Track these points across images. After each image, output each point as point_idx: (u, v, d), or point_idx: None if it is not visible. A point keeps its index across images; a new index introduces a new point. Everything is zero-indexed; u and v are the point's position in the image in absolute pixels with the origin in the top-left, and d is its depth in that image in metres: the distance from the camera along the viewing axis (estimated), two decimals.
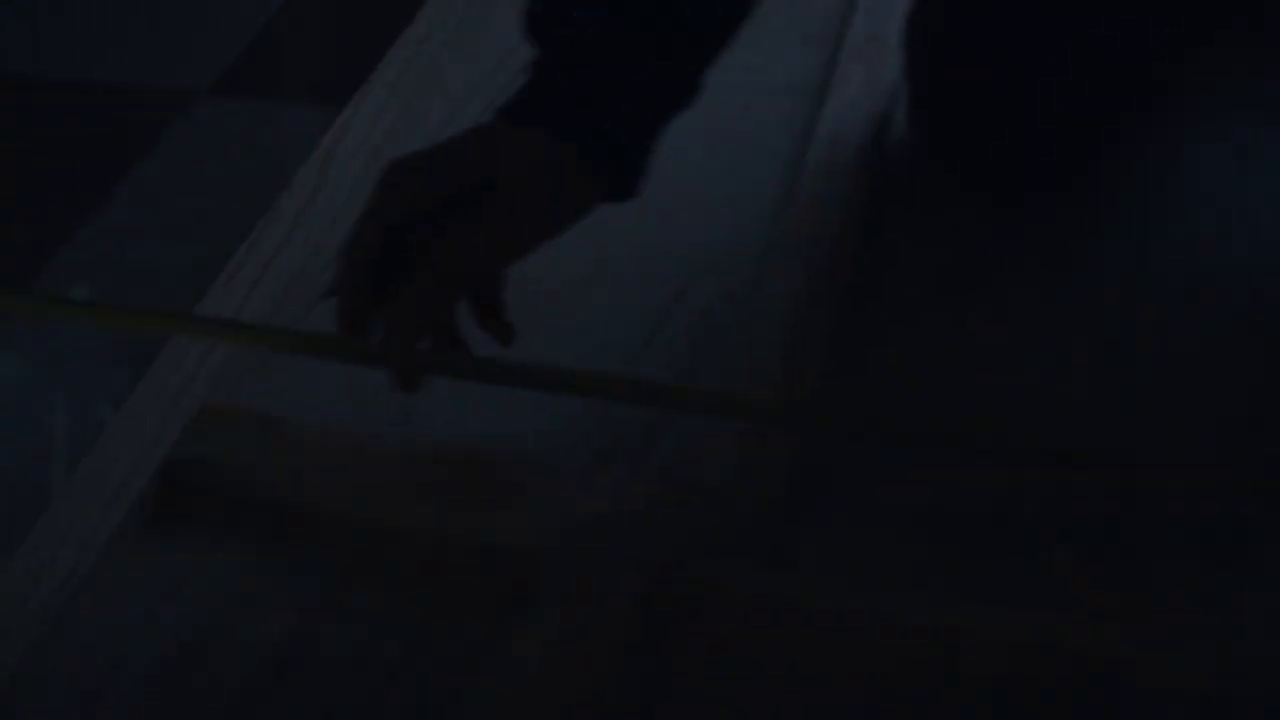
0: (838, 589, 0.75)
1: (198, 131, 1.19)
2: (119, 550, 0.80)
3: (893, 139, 1.00)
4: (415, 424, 0.85)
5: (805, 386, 0.84)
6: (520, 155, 0.77)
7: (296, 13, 1.22)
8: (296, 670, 0.75)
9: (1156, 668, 0.71)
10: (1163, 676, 0.70)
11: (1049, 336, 0.87)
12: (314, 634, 0.76)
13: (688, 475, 0.80)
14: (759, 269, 0.91)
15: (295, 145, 1.10)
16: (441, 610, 0.77)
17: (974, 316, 0.88)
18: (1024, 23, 0.92)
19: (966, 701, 0.71)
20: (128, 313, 0.82)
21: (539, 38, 0.81)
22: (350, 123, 1.08)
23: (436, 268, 0.74)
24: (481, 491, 0.80)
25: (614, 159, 0.79)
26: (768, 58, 1.07)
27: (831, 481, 0.80)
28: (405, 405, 0.85)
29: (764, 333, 0.87)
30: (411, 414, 0.85)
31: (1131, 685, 0.70)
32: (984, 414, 0.82)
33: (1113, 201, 0.94)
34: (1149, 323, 0.87)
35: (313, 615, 0.77)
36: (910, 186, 0.97)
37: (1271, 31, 1.03)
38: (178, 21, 1.23)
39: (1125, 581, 0.72)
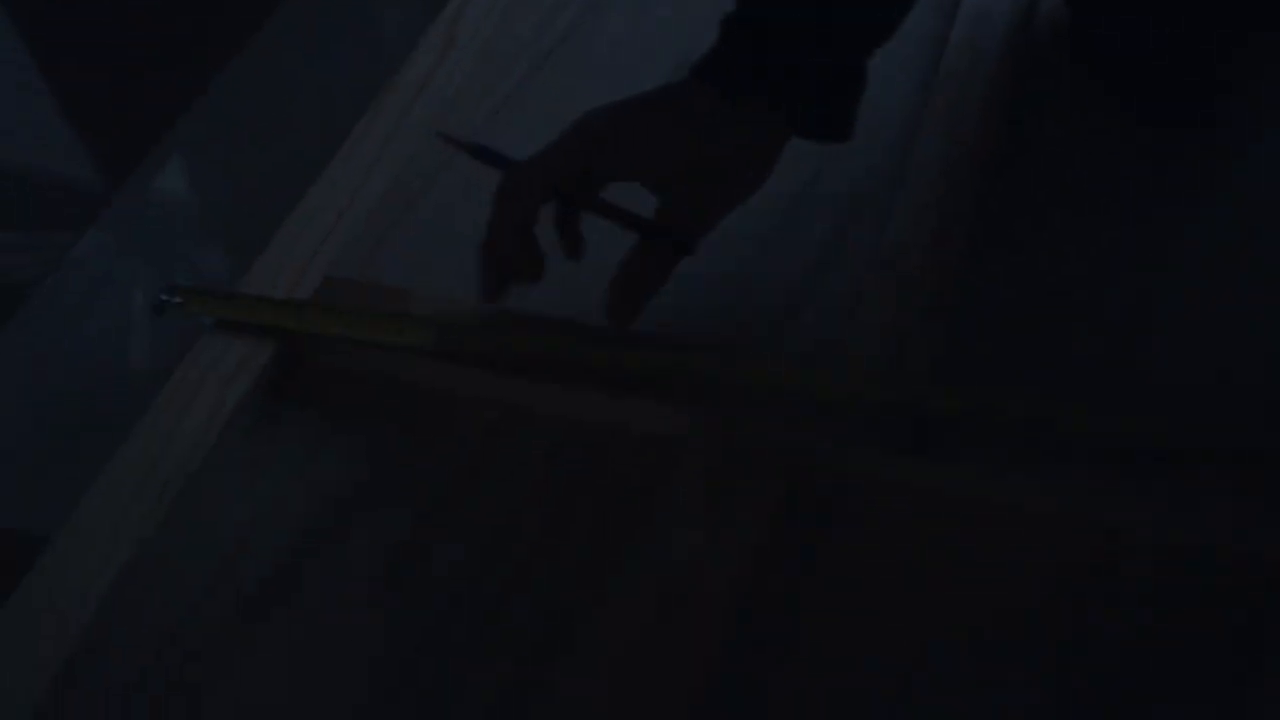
0: (987, 480, 0.72)
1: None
2: (239, 427, 0.79)
3: (1040, 21, 0.95)
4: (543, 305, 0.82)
5: (949, 267, 0.80)
6: (728, 139, 0.75)
7: None
8: (423, 560, 0.73)
9: None
10: None
11: (1165, 271, 0.82)
12: (441, 523, 0.74)
13: (831, 353, 0.77)
14: (901, 147, 0.88)
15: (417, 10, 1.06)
16: (575, 499, 0.75)
17: (1100, 235, 0.84)
18: None
19: (1125, 601, 0.68)
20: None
21: None
22: None
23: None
24: (614, 374, 0.77)
25: (821, 123, 0.78)
26: None
27: (980, 363, 0.77)
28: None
29: (908, 212, 0.83)
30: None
31: None
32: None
33: (1257, 135, 0.89)
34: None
35: (441, 502, 0.75)
36: (1054, 76, 0.92)
37: None
38: None
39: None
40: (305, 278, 0.85)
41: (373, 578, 0.72)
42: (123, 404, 0.82)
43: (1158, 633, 0.67)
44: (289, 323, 0.81)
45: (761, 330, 0.81)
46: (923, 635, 0.68)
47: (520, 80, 0.97)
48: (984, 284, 0.81)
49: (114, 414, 0.81)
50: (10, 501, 0.84)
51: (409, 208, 0.89)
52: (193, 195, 1.07)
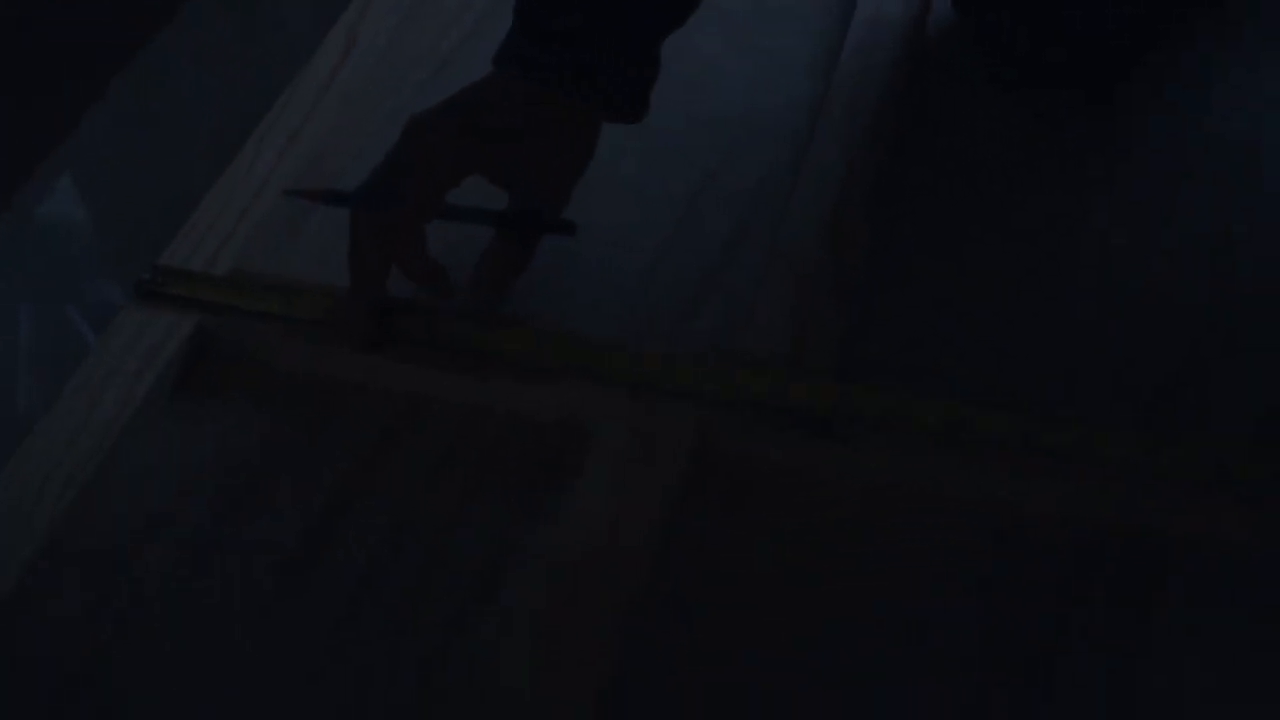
0: (889, 461, 0.74)
1: None
2: (151, 413, 0.79)
3: (934, 21, 0.98)
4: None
5: (850, 257, 0.82)
6: (542, 114, 0.78)
7: None
8: (331, 542, 0.74)
9: (1213, 542, 0.70)
10: (1221, 549, 0.70)
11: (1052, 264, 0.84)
12: (348, 506, 0.75)
13: (735, 345, 0.79)
14: (800, 140, 0.90)
15: (325, 8, 1.06)
16: (482, 481, 0.76)
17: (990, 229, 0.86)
18: None
19: (1029, 570, 0.70)
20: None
21: None
22: None
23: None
24: (522, 363, 0.79)
25: (626, 100, 0.80)
26: None
27: (884, 350, 0.79)
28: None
29: (801, 212, 0.85)
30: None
31: (1194, 559, 0.70)
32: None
33: (1144, 126, 0.92)
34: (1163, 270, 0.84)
35: (348, 486, 0.76)
36: (950, 73, 0.95)
37: None
38: None
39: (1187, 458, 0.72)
40: (214, 269, 0.85)
41: (270, 571, 0.73)
42: (7, 438, 0.80)
43: (1062, 611, 0.69)
44: (277, 308, 0.82)
45: (664, 326, 0.82)
46: (826, 619, 0.69)
47: (422, 80, 0.98)
48: (886, 272, 0.83)
49: None
50: None
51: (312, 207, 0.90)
52: (82, 217, 1.06)
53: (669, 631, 0.69)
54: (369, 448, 0.77)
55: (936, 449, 0.73)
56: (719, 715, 0.66)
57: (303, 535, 0.74)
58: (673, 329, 0.81)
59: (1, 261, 1.00)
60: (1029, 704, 0.66)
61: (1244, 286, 0.82)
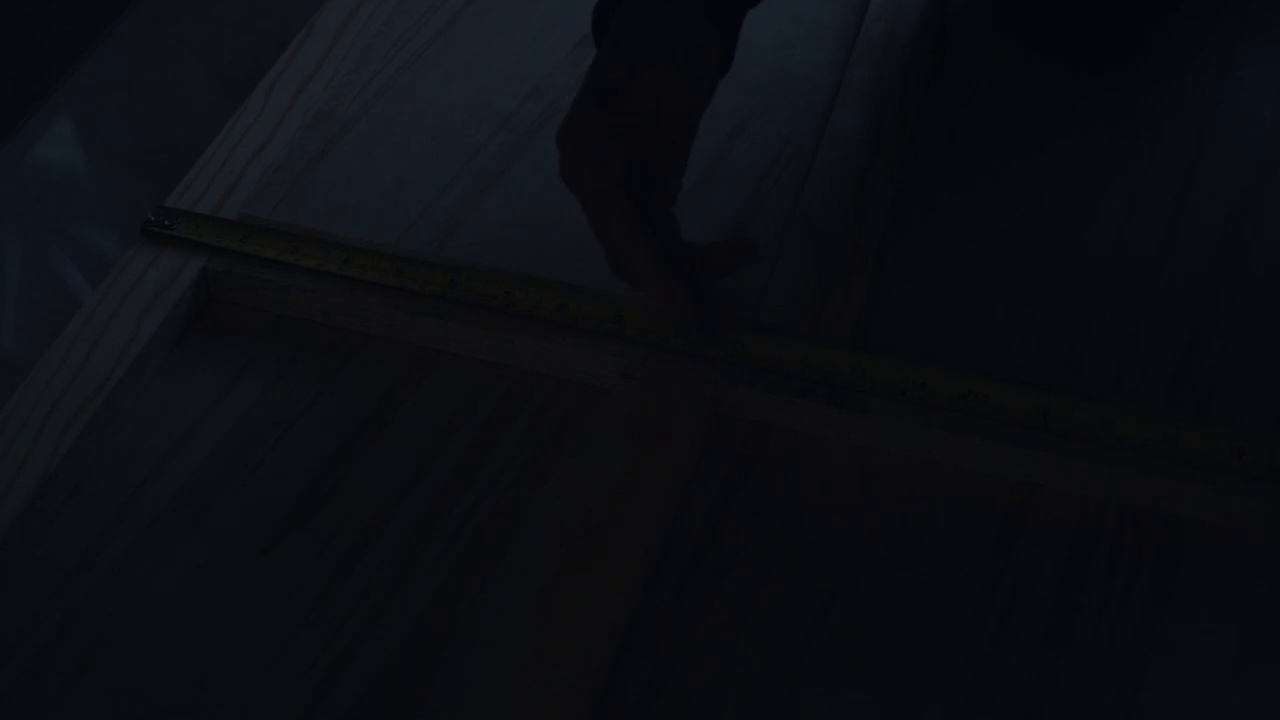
0: (903, 431, 0.73)
1: None
2: (154, 357, 0.77)
3: None
4: (462, 251, 0.82)
5: (869, 230, 0.81)
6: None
7: None
8: (334, 493, 0.72)
9: (1227, 523, 0.70)
10: (1236, 531, 0.70)
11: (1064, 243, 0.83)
12: (354, 458, 0.74)
13: (753, 311, 0.77)
14: (823, 106, 0.89)
15: None
16: (493, 438, 0.74)
17: (1022, 190, 0.85)
18: None
19: (1038, 546, 0.69)
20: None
21: None
22: None
23: None
24: (537, 320, 0.77)
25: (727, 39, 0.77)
26: None
27: (901, 321, 0.78)
28: (449, 226, 0.83)
29: (821, 180, 0.84)
30: (454, 237, 0.83)
31: (1207, 540, 0.69)
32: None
33: (1165, 97, 0.91)
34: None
35: (353, 439, 0.75)
36: (972, 40, 0.94)
37: None
38: None
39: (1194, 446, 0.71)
40: (220, 215, 0.84)
41: (281, 516, 0.72)
42: None
43: (1070, 585, 0.68)
44: (287, 255, 0.80)
45: None
46: (834, 584, 0.68)
47: (440, 26, 0.96)
48: (904, 242, 0.82)
49: None
50: None
51: (323, 154, 0.88)
52: (80, 160, 1.04)
53: (679, 594, 0.68)
54: (377, 401, 0.76)
55: (950, 421, 0.72)
56: (726, 677, 0.65)
57: (306, 485, 0.73)
58: None
59: None
60: (1034, 681, 0.65)
61: (1263, 261, 0.81)
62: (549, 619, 0.66)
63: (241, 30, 1.05)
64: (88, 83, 1.02)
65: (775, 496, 0.72)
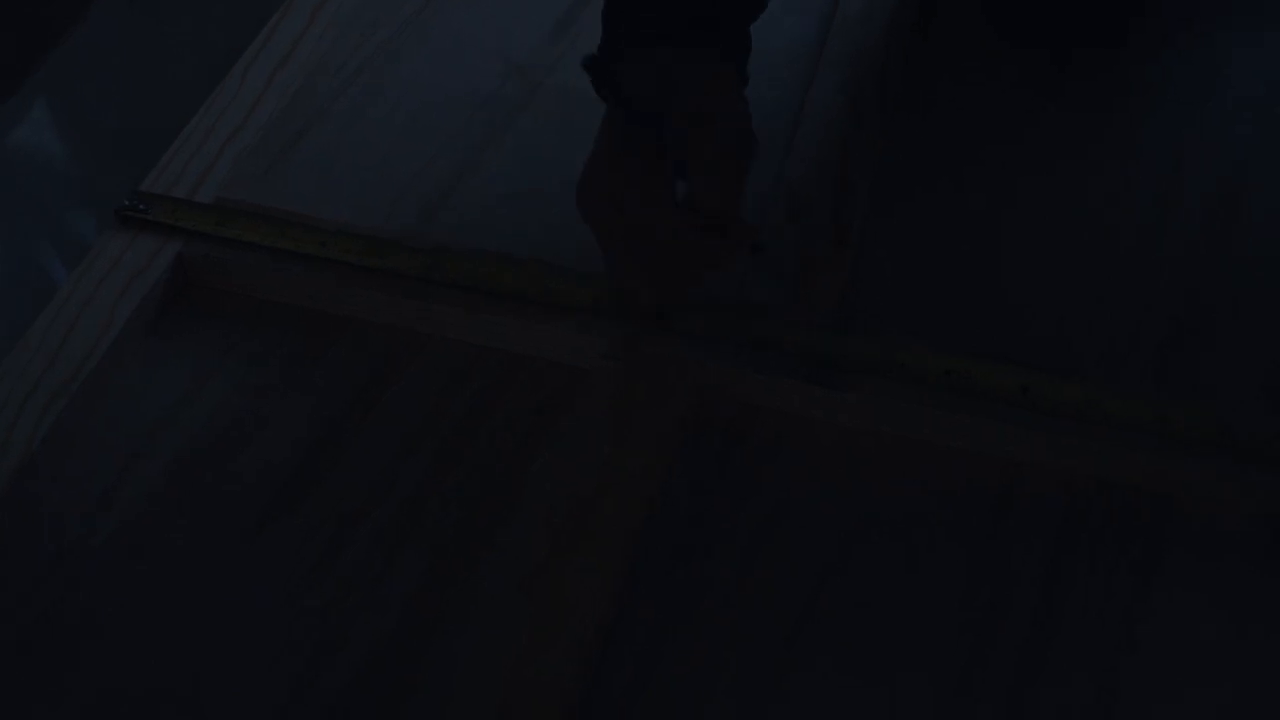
0: (888, 409, 0.72)
1: None
2: (131, 341, 0.77)
3: None
4: (443, 232, 0.81)
5: (852, 208, 0.81)
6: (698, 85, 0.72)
7: None
8: (319, 478, 0.72)
9: (1214, 501, 0.70)
10: (1223, 508, 0.69)
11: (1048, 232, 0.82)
12: (339, 442, 0.73)
13: (736, 289, 0.77)
14: (796, 91, 0.87)
15: None
16: (479, 420, 0.74)
17: (1003, 170, 0.85)
18: None
19: (1024, 524, 0.69)
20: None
21: None
22: None
23: None
24: (522, 301, 0.76)
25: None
26: None
27: (885, 299, 0.78)
28: (430, 207, 0.83)
29: (802, 157, 0.83)
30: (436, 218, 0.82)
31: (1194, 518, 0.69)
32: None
33: (1154, 73, 0.90)
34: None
35: (338, 423, 0.74)
36: (955, 13, 0.93)
37: None
38: None
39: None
40: (196, 199, 0.83)
41: (266, 501, 0.71)
42: None
43: (1059, 566, 0.68)
44: (265, 239, 0.79)
45: None
46: (820, 563, 0.68)
47: (421, 3, 0.95)
48: (888, 220, 0.81)
49: None
50: None
51: (300, 136, 0.87)
52: (57, 145, 1.03)
53: (667, 574, 0.68)
54: (363, 384, 0.75)
55: (935, 399, 0.72)
56: (715, 661, 0.65)
57: (291, 470, 0.72)
58: None
59: None
60: (1024, 661, 0.65)
61: (1250, 239, 0.80)
62: (538, 605, 0.65)
63: (222, 12, 1.04)
64: (66, 67, 1.01)
65: (763, 481, 0.71)
